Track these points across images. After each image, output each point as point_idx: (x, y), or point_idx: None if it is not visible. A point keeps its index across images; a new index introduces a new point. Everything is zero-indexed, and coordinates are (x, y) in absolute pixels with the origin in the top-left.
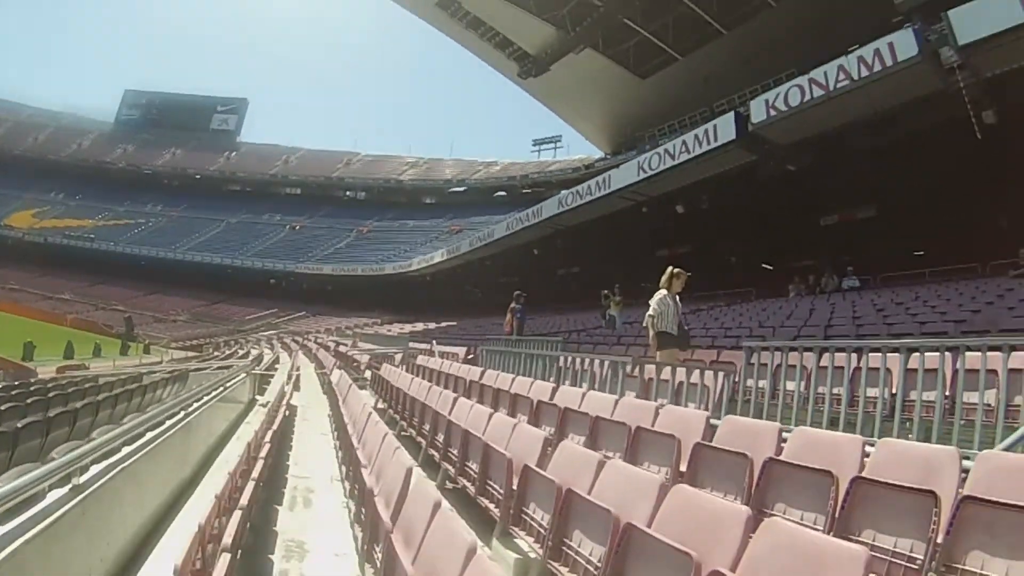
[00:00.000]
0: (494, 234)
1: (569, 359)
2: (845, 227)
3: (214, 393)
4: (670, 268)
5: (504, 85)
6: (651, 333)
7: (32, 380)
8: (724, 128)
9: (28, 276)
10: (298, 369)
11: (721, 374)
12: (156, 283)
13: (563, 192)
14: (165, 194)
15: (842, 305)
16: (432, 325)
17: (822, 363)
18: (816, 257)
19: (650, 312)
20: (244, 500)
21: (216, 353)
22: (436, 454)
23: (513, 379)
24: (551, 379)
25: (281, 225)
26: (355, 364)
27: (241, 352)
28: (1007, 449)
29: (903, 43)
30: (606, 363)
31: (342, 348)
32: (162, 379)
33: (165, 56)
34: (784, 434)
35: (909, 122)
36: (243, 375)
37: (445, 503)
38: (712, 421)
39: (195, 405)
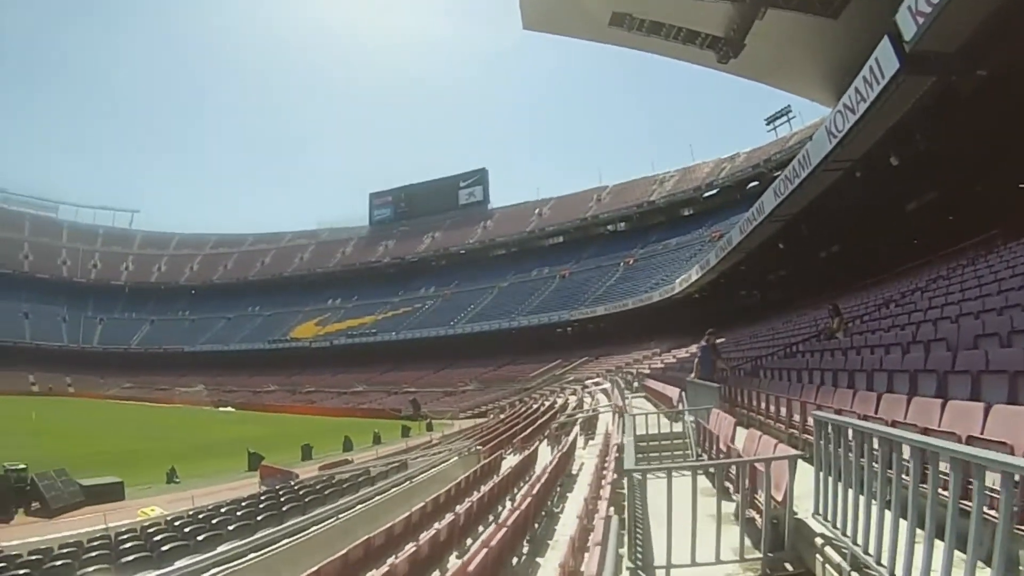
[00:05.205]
0: (732, 240)
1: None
2: None
3: (393, 491)
4: None
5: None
6: None
7: (282, 486)
8: (885, 59)
9: (321, 378)
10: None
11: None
12: (442, 360)
13: (776, 181)
14: (434, 276)
15: None
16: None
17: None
18: None
19: None
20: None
21: (503, 416)
22: None
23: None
24: None
25: (551, 277)
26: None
27: (522, 407)
28: None
29: None
30: None
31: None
32: (384, 470)
33: (397, 154)
34: None
35: None
36: (455, 457)
37: None
38: None
39: (358, 507)
